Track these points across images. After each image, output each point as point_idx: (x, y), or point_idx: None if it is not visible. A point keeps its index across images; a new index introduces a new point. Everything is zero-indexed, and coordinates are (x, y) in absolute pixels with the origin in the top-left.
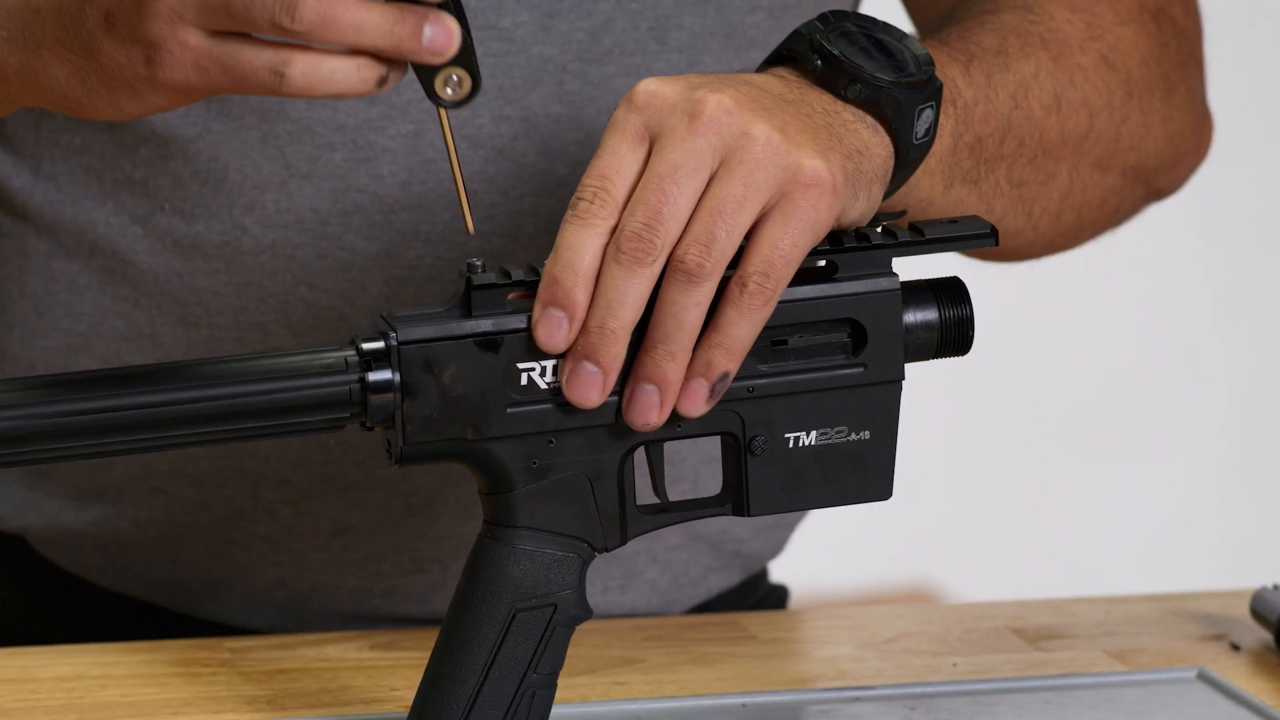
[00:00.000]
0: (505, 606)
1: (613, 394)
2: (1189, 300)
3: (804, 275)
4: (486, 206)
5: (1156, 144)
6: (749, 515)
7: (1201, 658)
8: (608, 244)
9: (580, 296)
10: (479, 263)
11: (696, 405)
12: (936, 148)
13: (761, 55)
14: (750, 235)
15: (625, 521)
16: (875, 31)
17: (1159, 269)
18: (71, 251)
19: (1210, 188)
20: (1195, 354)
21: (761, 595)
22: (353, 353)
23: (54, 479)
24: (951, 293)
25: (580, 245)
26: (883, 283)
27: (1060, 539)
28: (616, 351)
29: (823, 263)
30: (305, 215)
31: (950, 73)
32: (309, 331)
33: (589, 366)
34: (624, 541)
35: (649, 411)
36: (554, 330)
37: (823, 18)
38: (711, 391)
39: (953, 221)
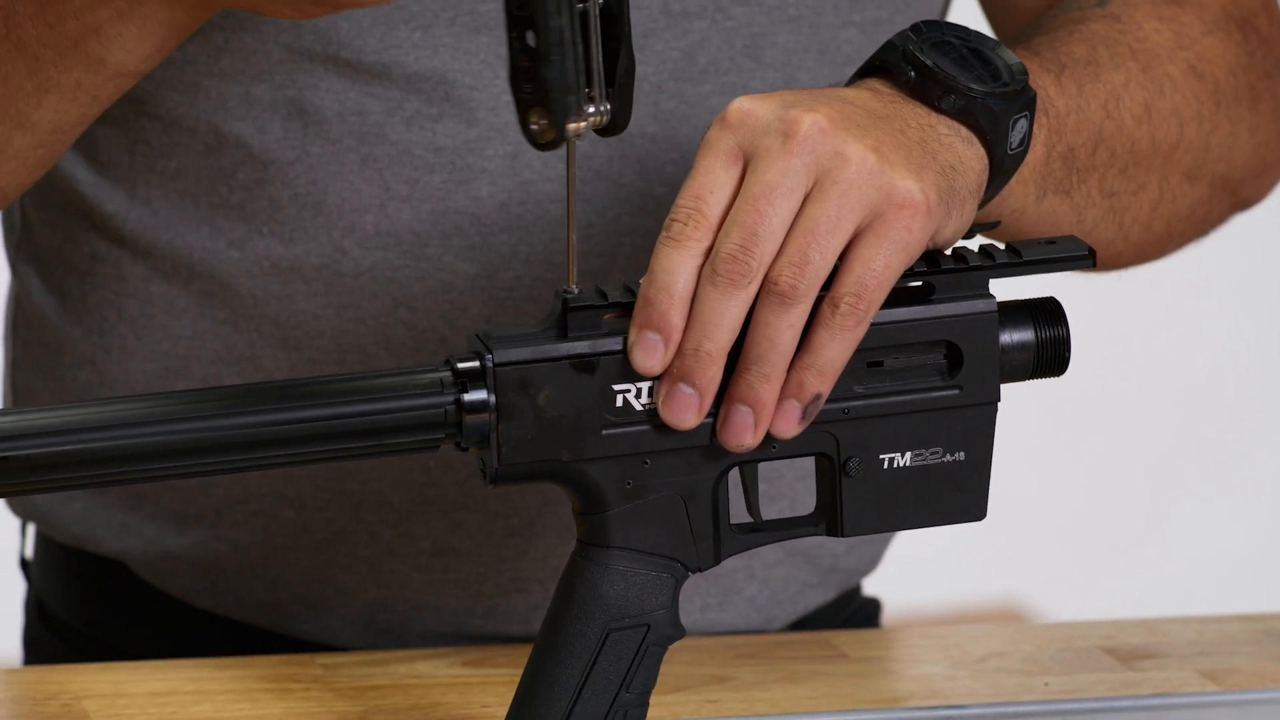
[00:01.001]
0: (599, 626)
1: (708, 415)
2: (1271, 309)
3: (900, 296)
4: (584, 227)
5: (1244, 154)
6: (842, 535)
7: None
8: (703, 265)
9: (676, 319)
10: (575, 288)
11: (789, 426)
12: (1030, 157)
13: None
14: (844, 256)
15: (719, 541)
16: (968, 41)
17: (1254, 283)
18: (169, 275)
19: None
20: None
21: (855, 609)
22: (448, 373)
23: (152, 503)
24: (1048, 313)
25: (675, 267)
26: (979, 305)
27: (1152, 558)
28: (712, 374)
29: (919, 284)
30: (405, 237)
31: (1043, 82)
32: (409, 353)
33: (685, 389)
34: (718, 561)
35: (743, 433)
36: (650, 353)
37: (915, 28)
38: (804, 413)
39: (1050, 242)
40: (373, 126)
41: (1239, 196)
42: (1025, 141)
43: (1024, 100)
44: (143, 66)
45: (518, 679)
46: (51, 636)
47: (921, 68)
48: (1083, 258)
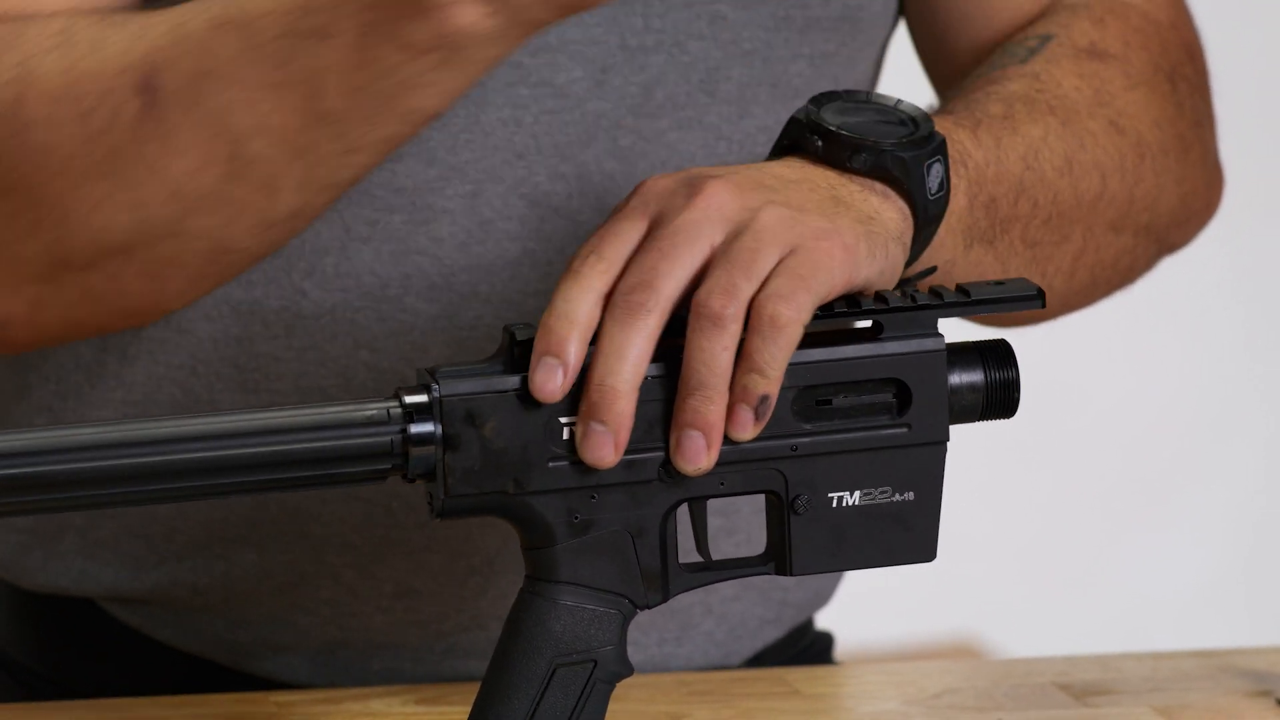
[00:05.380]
0: (545, 661)
1: (654, 450)
2: (1228, 349)
3: (849, 335)
4: (543, 265)
5: (1169, 204)
6: (791, 574)
7: (1248, 714)
8: (604, 301)
9: (573, 346)
10: (522, 324)
11: (745, 429)
12: (954, 206)
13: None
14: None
15: (667, 579)
16: (867, 102)
17: (1197, 319)
18: None
19: (1250, 244)
20: (1237, 404)
21: (808, 643)
22: (395, 405)
23: (110, 550)
24: (998, 355)
25: (573, 296)
26: (928, 343)
27: (1107, 593)
28: (620, 408)
29: (868, 323)
30: (365, 278)
31: (958, 136)
32: (371, 395)
33: (596, 426)
34: (666, 599)
35: (697, 456)
36: (549, 377)
37: (814, 99)
38: (756, 414)
39: (999, 283)
40: None
41: (1165, 243)
42: (944, 185)
43: (933, 145)
44: (449, 106)
45: None
46: (10, 682)
47: (825, 134)
48: (1031, 297)
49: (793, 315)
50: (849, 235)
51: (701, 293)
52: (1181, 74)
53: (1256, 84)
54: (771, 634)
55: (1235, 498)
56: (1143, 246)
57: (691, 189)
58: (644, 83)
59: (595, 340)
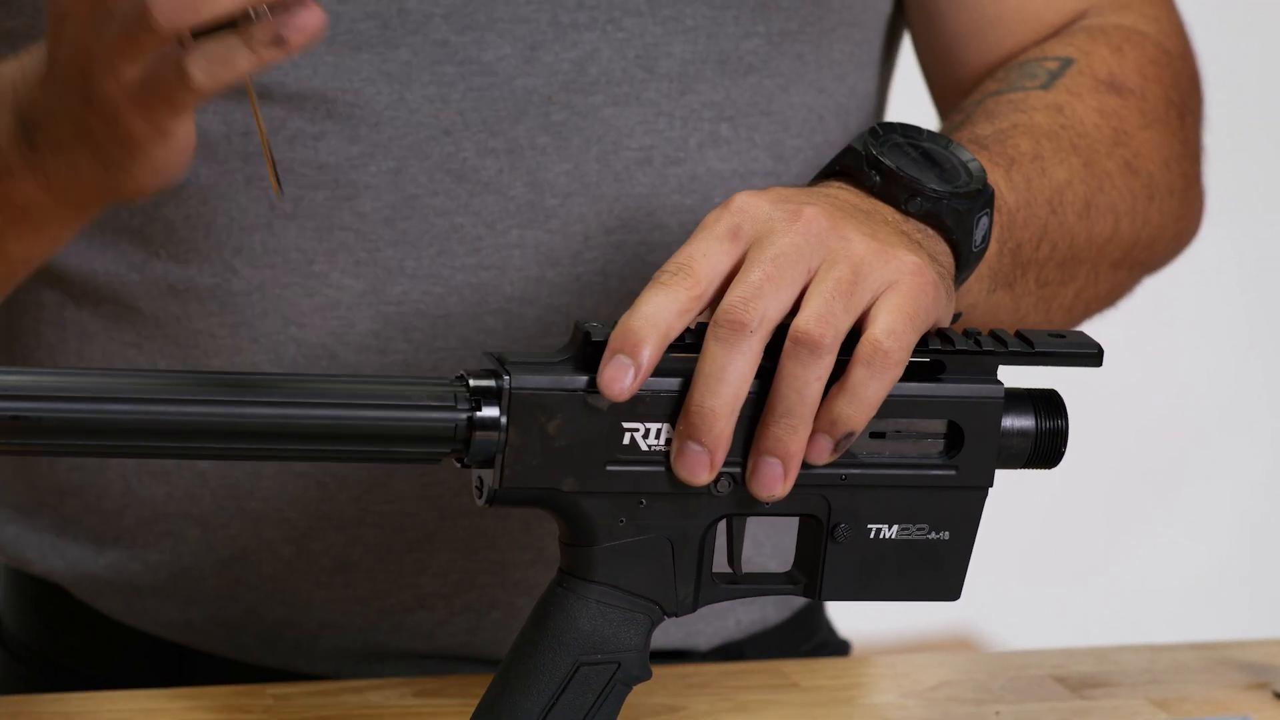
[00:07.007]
0: (570, 658)
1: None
2: (1229, 343)
3: (910, 372)
4: (472, 240)
5: (1166, 241)
6: (819, 599)
7: (1245, 706)
8: (689, 315)
9: (649, 349)
10: (596, 323)
11: (819, 459)
12: (986, 253)
13: (759, 81)
14: (866, 313)
15: (699, 589)
16: (922, 141)
17: (1198, 314)
18: (79, 300)
19: (1253, 241)
20: (1237, 400)
21: (816, 646)
22: (462, 388)
23: (77, 525)
24: (1050, 405)
25: (660, 305)
26: (987, 389)
27: (1104, 586)
28: (719, 430)
29: (929, 360)
30: (291, 255)
31: (993, 178)
32: (301, 371)
33: (693, 446)
34: (694, 609)
35: (773, 484)
36: (619, 375)
37: (873, 132)
38: (835, 447)
39: (1060, 336)
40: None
41: (1150, 271)
42: (987, 238)
43: (985, 198)
44: (44, 256)
45: (470, 710)
46: (5, 653)
47: (886, 172)
48: (1092, 356)
49: (902, 355)
50: (933, 273)
51: (800, 320)
52: (1189, 107)
53: (1259, 85)
54: (748, 615)
55: (1233, 491)
56: (1134, 278)
57: (791, 214)
58: (576, 58)
59: (671, 355)
